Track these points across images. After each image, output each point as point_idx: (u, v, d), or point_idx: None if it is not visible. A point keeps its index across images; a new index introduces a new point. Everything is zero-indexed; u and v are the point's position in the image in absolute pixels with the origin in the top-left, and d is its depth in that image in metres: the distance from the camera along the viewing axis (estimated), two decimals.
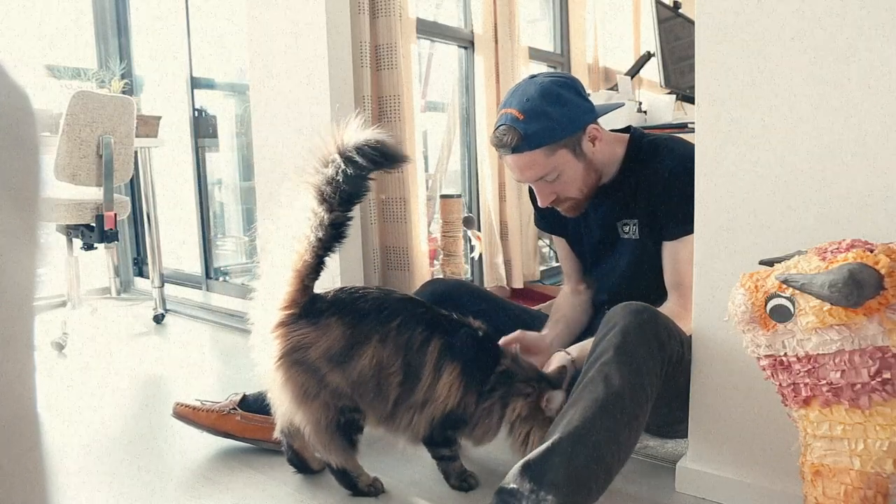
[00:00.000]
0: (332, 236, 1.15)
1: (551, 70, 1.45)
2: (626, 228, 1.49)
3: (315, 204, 1.14)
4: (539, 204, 1.50)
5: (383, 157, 1.13)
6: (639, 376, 1.08)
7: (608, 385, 1.06)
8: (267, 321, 1.18)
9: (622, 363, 1.08)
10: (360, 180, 1.14)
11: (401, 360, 1.18)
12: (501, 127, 1.38)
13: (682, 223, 1.35)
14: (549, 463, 1.00)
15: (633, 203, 1.46)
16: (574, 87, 1.41)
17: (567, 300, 1.69)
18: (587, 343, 1.41)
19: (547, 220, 1.68)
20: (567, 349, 1.41)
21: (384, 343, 1.17)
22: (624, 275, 1.53)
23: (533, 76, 1.43)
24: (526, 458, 1.02)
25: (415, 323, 1.20)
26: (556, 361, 1.37)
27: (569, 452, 1.00)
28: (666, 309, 1.38)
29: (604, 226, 1.53)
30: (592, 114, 1.42)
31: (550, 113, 1.35)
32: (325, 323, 1.15)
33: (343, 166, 1.11)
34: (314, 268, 1.16)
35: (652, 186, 1.42)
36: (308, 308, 1.16)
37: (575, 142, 1.39)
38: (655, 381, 1.12)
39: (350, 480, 1.24)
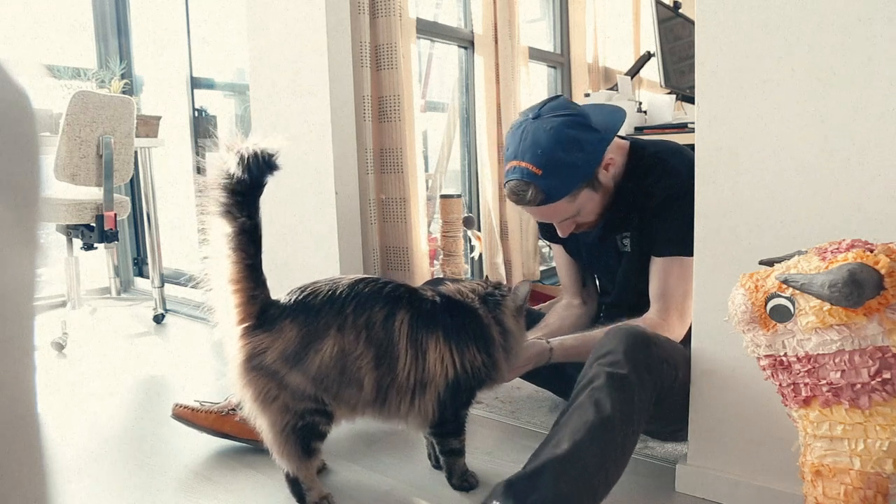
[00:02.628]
0: (246, 243, 1.14)
1: (554, 104, 1.33)
2: (625, 241, 1.47)
3: (218, 219, 1.13)
4: (560, 235, 1.45)
5: (263, 166, 1.12)
6: (629, 405, 1.07)
7: (599, 410, 1.04)
8: (228, 339, 1.18)
9: (613, 390, 1.06)
10: (254, 187, 1.12)
11: (364, 340, 1.15)
12: (517, 182, 1.30)
13: (675, 244, 1.34)
14: (536, 483, 0.97)
15: (629, 216, 1.43)
16: (585, 122, 1.31)
17: (557, 314, 1.66)
18: (567, 338, 1.42)
19: (547, 230, 1.65)
20: (548, 339, 1.42)
21: (343, 330, 1.14)
22: (622, 285, 1.52)
23: (536, 116, 1.31)
24: (509, 477, 1.00)
25: (371, 301, 1.17)
26: (535, 348, 1.37)
27: (556, 474, 0.98)
28: (646, 320, 1.38)
29: (603, 238, 1.50)
30: (605, 143, 1.34)
31: (569, 161, 1.28)
32: (279, 327, 1.14)
33: (239, 172, 1.10)
34: (250, 278, 1.15)
35: (647, 202, 1.38)
36: (262, 317, 1.15)
37: (593, 178, 1.34)
38: (645, 409, 1.11)
39: (299, 491, 1.21)
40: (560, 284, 1.76)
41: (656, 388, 1.13)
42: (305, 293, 1.18)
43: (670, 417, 1.28)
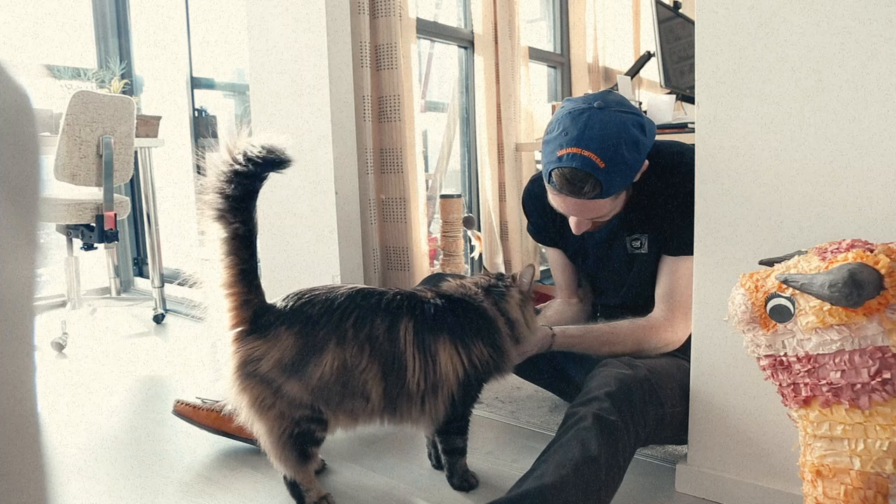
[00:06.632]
0: (239, 248, 1.13)
1: (617, 99, 1.29)
2: (636, 244, 1.45)
3: (213, 223, 1.12)
4: (575, 232, 1.40)
5: (267, 161, 1.10)
6: (615, 449, 1.08)
7: (585, 449, 1.05)
8: (221, 344, 1.17)
9: (600, 433, 1.07)
10: (248, 185, 1.11)
11: (368, 354, 1.14)
12: (576, 171, 1.23)
13: (689, 243, 1.31)
14: None
15: (645, 219, 1.41)
16: (643, 125, 1.29)
17: (555, 308, 1.66)
18: (570, 328, 1.43)
19: (544, 233, 1.63)
20: (551, 326, 1.42)
21: (343, 344, 1.13)
22: (631, 286, 1.51)
23: (602, 107, 1.26)
24: (491, 501, 1.00)
25: (371, 314, 1.16)
26: (538, 333, 1.36)
27: (538, 503, 0.98)
28: (651, 319, 1.38)
29: (611, 241, 1.49)
30: (648, 149, 1.33)
31: (630, 162, 1.25)
32: (273, 334, 1.13)
33: (231, 174, 1.09)
34: (244, 283, 1.14)
35: (668, 202, 1.36)
36: (256, 322, 1.14)
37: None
38: (630, 452, 1.13)
39: (298, 492, 1.22)
40: (556, 289, 1.75)
41: (643, 433, 1.16)
42: (302, 301, 1.16)
43: (662, 442, 1.34)
